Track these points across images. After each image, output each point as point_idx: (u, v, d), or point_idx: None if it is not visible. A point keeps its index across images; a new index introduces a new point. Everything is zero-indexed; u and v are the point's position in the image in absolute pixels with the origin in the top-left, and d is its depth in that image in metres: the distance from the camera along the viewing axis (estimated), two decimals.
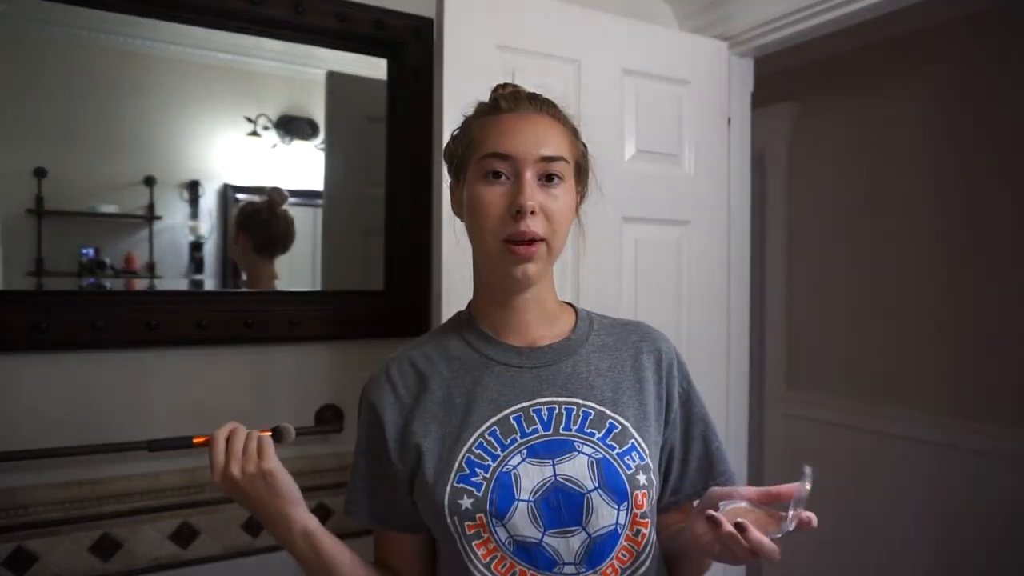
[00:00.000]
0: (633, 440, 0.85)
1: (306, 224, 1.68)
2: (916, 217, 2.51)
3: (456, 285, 1.37)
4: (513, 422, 0.84)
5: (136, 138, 1.46)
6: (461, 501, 0.80)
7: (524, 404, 0.85)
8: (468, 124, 0.91)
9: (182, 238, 1.53)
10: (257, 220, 1.58)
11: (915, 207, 2.51)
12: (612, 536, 0.81)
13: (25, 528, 1.28)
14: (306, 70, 1.63)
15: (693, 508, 0.82)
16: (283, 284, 1.63)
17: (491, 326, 0.91)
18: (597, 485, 0.81)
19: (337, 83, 1.64)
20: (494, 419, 0.84)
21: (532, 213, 0.81)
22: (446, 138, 1.37)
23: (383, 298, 1.62)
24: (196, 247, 1.55)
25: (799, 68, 2.81)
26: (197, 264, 1.55)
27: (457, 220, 0.95)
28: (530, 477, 0.80)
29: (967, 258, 2.37)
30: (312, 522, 0.84)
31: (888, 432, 2.53)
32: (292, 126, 1.63)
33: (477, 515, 0.79)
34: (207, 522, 1.43)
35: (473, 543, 0.80)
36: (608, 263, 1.57)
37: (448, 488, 0.81)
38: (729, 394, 1.78)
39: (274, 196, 1.58)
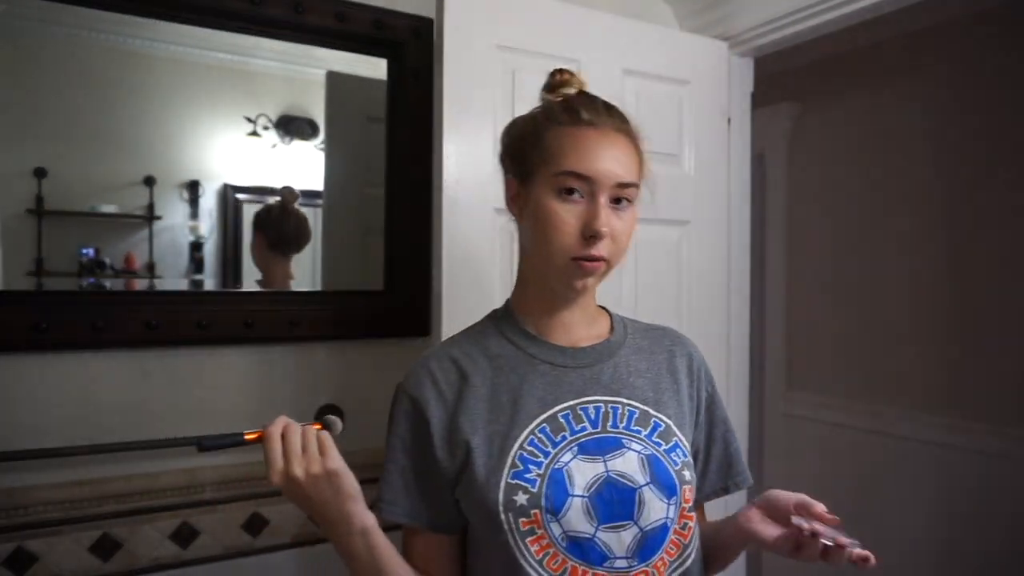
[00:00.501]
0: (676, 438, 0.89)
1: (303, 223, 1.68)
2: (917, 217, 2.50)
3: (456, 285, 1.37)
4: (562, 420, 0.85)
5: (136, 138, 1.46)
6: (516, 497, 0.80)
7: (572, 402, 0.87)
8: (541, 128, 0.88)
9: (182, 238, 1.53)
10: (269, 218, 1.60)
11: (915, 207, 2.51)
12: (663, 530, 0.83)
13: (25, 528, 1.28)
14: (306, 70, 1.63)
15: (747, 508, 0.88)
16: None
17: (534, 324, 0.93)
18: (648, 480, 0.83)
19: (337, 83, 1.64)
20: (543, 416, 0.85)
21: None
22: (446, 138, 1.38)
23: (383, 298, 1.62)
24: (196, 247, 1.55)
25: (799, 68, 2.80)
26: (197, 264, 1.55)
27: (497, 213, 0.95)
28: (583, 473, 0.82)
29: (968, 257, 2.37)
30: (370, 519, 0.82)
31: (889, 432, 2.53)
32: (292, 126, 1.63)
33: (532, 511, 0.80)
34: (207, 522, 1.43)
35: (527, 539, 0.80)
36: None
37: (502, 484, 0.81)
38: (729, 394, 1.78)
39: (286, 195, 1.59)
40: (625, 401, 0.89)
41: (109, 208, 1.45)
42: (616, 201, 0.85)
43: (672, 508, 0.84)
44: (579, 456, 0.83)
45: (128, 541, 1.36)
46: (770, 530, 0.84)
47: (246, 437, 0.80)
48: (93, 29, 1.41)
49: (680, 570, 0.85)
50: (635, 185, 0.86)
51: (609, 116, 0.88)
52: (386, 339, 1.62)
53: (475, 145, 1.40)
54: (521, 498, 0.80)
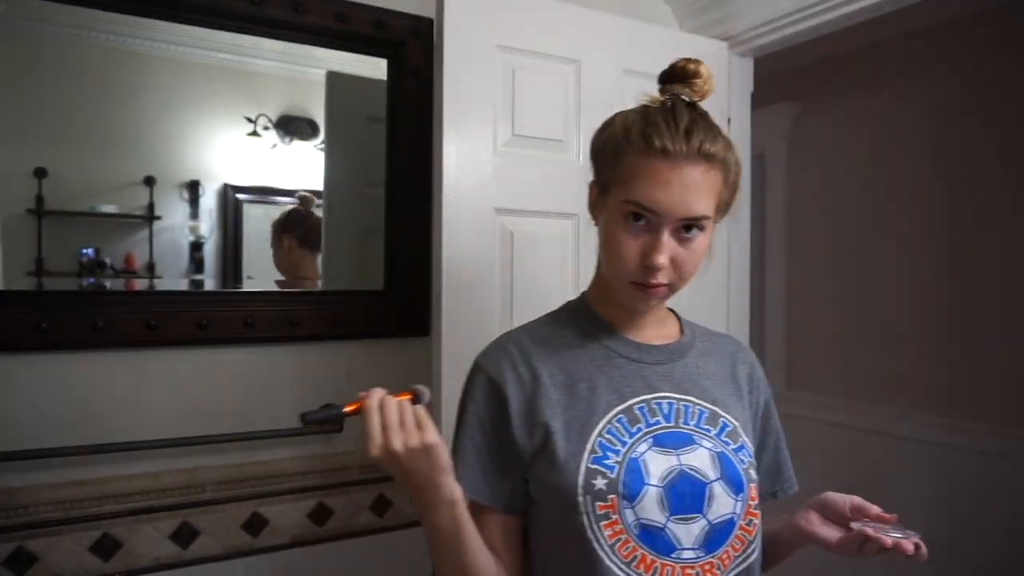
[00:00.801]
0: (743, 439, 0.92)
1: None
2: (917, 217, 2.50)
3: (456, 285, 1.37)
4: (638, 412, 0.88)
5: (136, 138, 1.47)
6: (595, 481, 0.82)
7: (647, 396, 0.89)
8: (622, 145, 0.85)
9: (182, 238, 1.53)
10: (298, 217, 1.64)
11: (915, 207, 2.51)
12: (729, 524, 0.86)
13: (25, 528, 1.28)
14: (306, 70, 1.63)
15: (804, 511, 0.93)
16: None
17: (611, 319, 0.95)
18: (719, 476, 0.86)
19: (337, 83, 1.64)
20: (621, 407, 0.88)
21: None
22: (446, 138, 1.38)
23: (383, 298, 1.62)
24: (196, 247, 1.55)
25: (799, 68, 2.81)
26: (197, 264, 1.55)
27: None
28: (657, 464, 0.84)
29: (968, 258, 2.37)
30: (458, 492, 0.82)
31: (889, 432, 2.53)
32: (292, 126, 1.63)
33: (610, 496, 0.82)
34: (207, 522, 1.43)
35: (602, 523, 0.82)
36: None
37: (583, 468, 0.83)
38: None
39: (307, 197, 1.64)
40: (696, 400, 0.91)
41: (109, 208, 1.45)
42: (686, 228, 0.84)
43: (739, 504, 0.86)
44: (654, 448, 0.85)
45: (128, 541, 1.36)
46: (830, 532, 0.89)
47: (345, 410, 0.81)
48: (93, 29, 1.41)
49: (744, 565, 0.87)
50: (705, 218, 0.84)
51: (687, 143, 0.82)
52: (386, 339, 1.62)
53: (475, 145, 1.40)
54: (600, 482, 0.82)
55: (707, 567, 0.83)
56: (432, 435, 0.78)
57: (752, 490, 0.89)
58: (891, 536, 0.83)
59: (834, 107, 2.79)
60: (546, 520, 0.87)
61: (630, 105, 1.74)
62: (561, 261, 1.51)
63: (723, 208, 0.90)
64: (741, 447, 0.90)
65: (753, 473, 0.90)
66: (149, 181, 1.48)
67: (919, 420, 2.44)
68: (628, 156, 0.84)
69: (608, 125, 0.92)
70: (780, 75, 2.77)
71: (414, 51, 1.61)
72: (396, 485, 1.63)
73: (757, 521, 0.89)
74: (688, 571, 0.82)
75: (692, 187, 0.82)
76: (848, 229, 2.72)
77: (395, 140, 1.62)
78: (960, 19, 2.33)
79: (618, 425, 0.86)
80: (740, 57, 1.83)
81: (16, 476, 1.28)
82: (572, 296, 1.52)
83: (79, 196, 1.42)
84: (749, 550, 0.88)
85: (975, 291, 2.34)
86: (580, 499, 0.82)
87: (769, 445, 1.02)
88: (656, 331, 0.96)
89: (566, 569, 0.84)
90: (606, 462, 0.83)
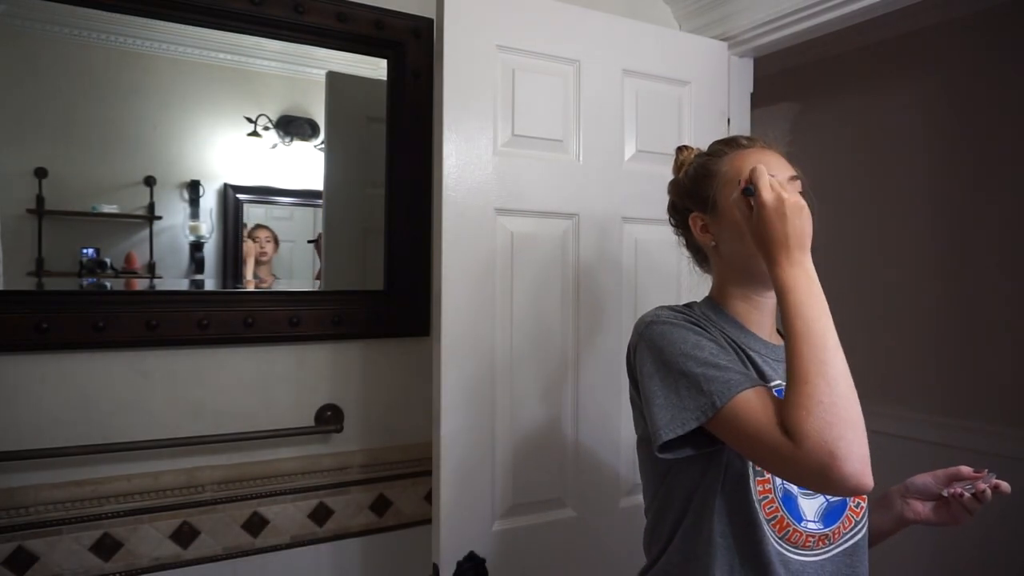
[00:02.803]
0: None
1: (306, 224, 1.69)
2: (915, 217, 2.51)
3: (456, 285, 1.38)
4: (776, 394, 0.91)
5: (136, 138, 1.47)
6: None
7: (779, 383, 0.96)
8: (710, 165, 1.03)
9: (182, 238, 1.53)
10: None
11: (914, 207, 2.51)
12: (842, 504, 0.95)
13: (25, 528, 1.28)
14: (306, 70, 1.64)
15: (905, 503, 1.04)
16: (283, 284, 1.64)
17: (742, 319, 1.02)
18: None
19: (337, 83, 1.64)
20: (777, 383, 0.95)
21: None
22: (446, 138, 1.38)
23: (383, 298, 1.62)
24: (196, 247, 1.55)
25: (799, 68, 2.81)
26: (197, 264, 1.55)
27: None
28: None
29: (965, 258, 2.37)
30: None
31: (886, 432, 2.53)
32: (292, 126, 1.63)
33: None
34: (207, 522, 1.44)
35: (757, 479, 0.90)
36: (608, 263, 1.57)
37: None
38: None
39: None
40: None
41: (109, 208, 1.45)
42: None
43: None
44: None
45: (128, 541, 1.37)
46: (929, 510, 1.03)
47: (743, 185, 0.92)
48: (93, 29, 1.41)
49: (853, 540, 0.96)
50: (800, 178, 1.01)
51: (753, 140, 1.05)
52: (386, 339, 1.62)
53: (475, 145, 1.40)
54: None
55: (822, 539, 0.93)
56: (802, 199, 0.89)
57: None
58: (981, 485, 0.98)
59: (833, 107, 2.79)
60: (727, 453, 0.92)
61: (629, 105, 1.74)
62: (561, 261, 1.51)
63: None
64: None
65: None
66: (149, 181, 1.48)
67: (916, 419, 2.45)
68: (723, 162, 1.02)
69: (678, 181, 1.10)
70: (780, 75, 2.77)
71: (414, 51, 1.61)
72: (396, 485, 1.63)
73: (864, 504, 0.98)
74: (808, 539, 0.92)
75: (778, 157, 1.03)
76: (847, 228, 2.72)
77: (395, 140, 1.62)
78: (959, 19, 2.33)
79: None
80: (740, 57, 1.83)
81: (16, 476, 1.28)
82: (571, 297, 1.53)
83: (79, 196, 1.42)
84: (857, 528, 0.96)
85: (975, 291, 2.34)
86: None
87: None
88: (773, 328, 1.04)
89: (727, 500, 0.91)
90: None
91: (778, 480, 0.90)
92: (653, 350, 0.91)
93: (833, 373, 0.80)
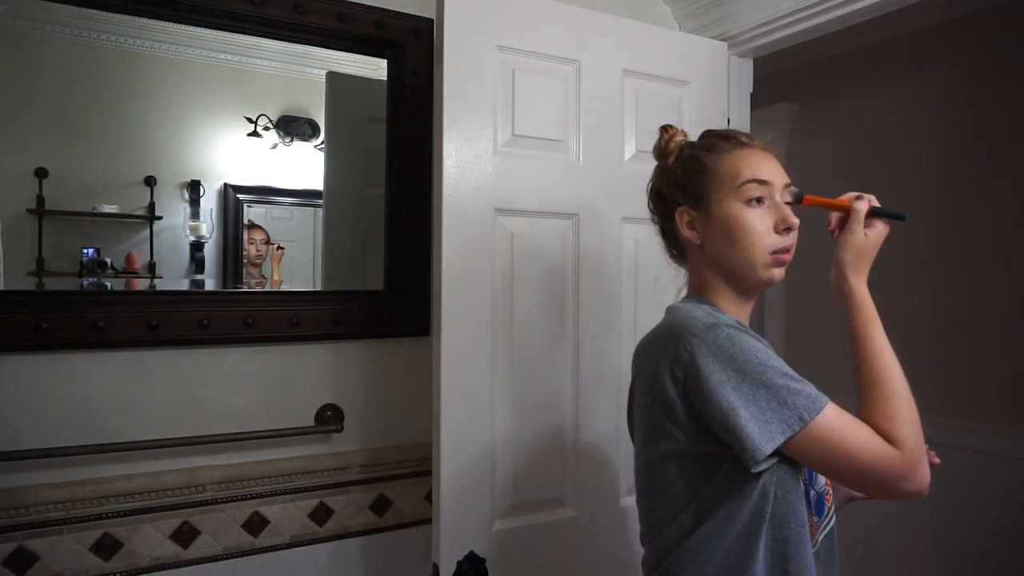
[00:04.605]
0: None
1: (306, 224, 1.69)
2: (916, 216, 2.50)
3: (456, 285, 1.38)
4: None
5: (136, 138, 1.47)
6: None
7: None
8: (706, 159, 1.01)
9: (183, 238, 1.53)
10: None
11: (914, 206, 2.51)
12: (823, 494, 1.01)
13: (26, 528, 1.28)
14: (306, 70, 1.64)
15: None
16: (283, 284, 1.64)
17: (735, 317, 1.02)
18: None
19: (337, 83, 1.64)
20: None
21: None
22: (446, 138, 1.38)
23: (383, 298, 1.62)
24: (197, 247, 1.55)
25: (799, 68, 2.81)
26: (198, 264, 1.55)
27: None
28: None
29: (963, 258, 2.37)
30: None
31: None
32: (292, 126, 1.64)
33: None
34: (207, 522, 1.44)
35: (798, 472, 0.93)
36: (608, 263, 1.57)
37: None
38: None
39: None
40: None
41: (110, 208, 1.45)
42: (787, 203, 0.99)
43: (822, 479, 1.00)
44: None
45: (129, 541, 1.37)
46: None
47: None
48: (93, 29, 1.41)
49: (830, 526, 1.02)
50: (792, 186, 1.01)
51: (752, 139, 1.03)
52: (386, 339, 1.62)
53: (475, 145, 1.40)
54: None
55: (814, 528, 0.98)
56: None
57: None
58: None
59: (833, 107, 2.79)
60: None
61: (629, 105, 1.74)
62: (561, 261, 1.51)
63: None
64: None
65: None
66: (150, 181, 1.48)
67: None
68: (722, 158, 0.99)
69: (666, 169, 1.07)
70: (780, 75, 2.77)
71: (414, 51, 1.62)
72: (396, 485, 1.63)
73: (831, 492, 1.03)
74: (812, 530, 0.97)
75: (776, 162, 1.01)
76: None
77: (395, 140, 1.62)
78: (960, 19, 2.33)
79: None
80: (739, 57, 1.84)
81: (16, 476, 1.28)
82: (571, 297, 1.53)
83: (79, 196, 1.42)
84: (831, 514, 1.02)
85: (974, 291, 2.34)
86: None
87: None
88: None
89: (785, 494, 0.90)
90: None
91: (804, 476, 0.94)
92: (722, 357, 0.86)
93: (904, 383, 0.93)
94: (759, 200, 0.97)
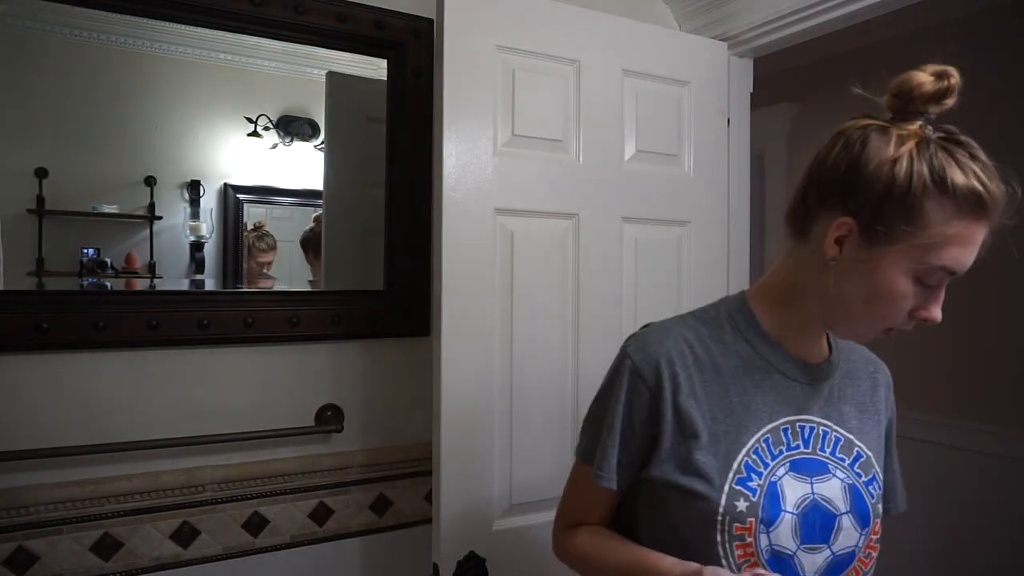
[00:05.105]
0: (874, 471, 0.91)
1: (306, 224, 1.69)
2: None
3: (456, 285, 1.38)
4: (782, 433, 0.87)
5: (136, 138, 1.47)
6: (737, 503, 0.82)
7: (791, 418, 0.88)
8: (920, 198, 0.77)
9: (183, 238, 1.53)
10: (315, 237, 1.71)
11: None
12: (850, 556, 0.86)
13: (26, 528, 1.28)
14: (306, 70, 1.64)
15: None
16: (283, 284, 1.64)
17: (775, 331, 0.91)
18: (848, 509, 0.86)
19: (337, 83, 1.64)
20: (768, 427, 0.87)
21: None
22: (446, 138, 1.38)
23: (383, 298, 1.62)
24: (197, 247, 1.55)
25: (799, 68, 2.81)
26: (198, 264, 1.55)
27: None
28: (793, 491, 0.84)
29: None
30: None
31: None
32: (292, 126, 1.64)
33: (748, 519, 0.82)
34: (207, 522, 1.44)
35: (735, 543, 0.82)
36: (608, 263, 1.57)
37: (727, 488, 0.83)
38: None
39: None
40: (833, 426, 0.91)
41: (110, 208, 1.45)
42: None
43: (863, 538, 0.86)
44: (791, 473, 0.85)
45: (129, 541, 1.37)
46: None
47: None
48: (93, 29, 1.41)
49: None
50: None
51: (993, 203, 0.80)
52: (386, 339, 1.62)
53: (475, 145, 1.40)
54: (741, 504, 0.82)
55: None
56: None
57: (876, 525, 0.88)
58: None
59: (834, 107, 2.78)
60: (669, 515, 0.87)
61: (629, 105, 1.73)
62: (561, 261, 1.51)
63: None
64: (872, 479, 0.90)
65: (879, 508, 0.90)
66: (149, 181, 1.48)
67: (919, 420, 2.44)
68: (944, 217, 0.77)
69: (872, 161, 0.82)
70: (780, 75, 2.77)
71: (414, 51, 1.62)
72: (396, 485, 1.63)
73: (875, 555, 0.89)
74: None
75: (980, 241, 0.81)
76: None
77: (395, 140, 1.62)
78: (960, 19, 2.33)
79: (763, 446, 0.86)
80: (739, 57, 1.83)
81: (16, 476, 1.28)
82: (571, 297, 1.53)
83: (79, 196, 1.42)
84: None
85: (975, 291, 2.34)
86: (720, 518, 0.82)
87: (889, 466, 1.01)
88: (814, 346, 0.92)
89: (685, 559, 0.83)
90: (749, 484, 0.83)
91: (764, 540, 0.81)
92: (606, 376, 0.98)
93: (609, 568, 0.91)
94: (933, 283, 0.81)
